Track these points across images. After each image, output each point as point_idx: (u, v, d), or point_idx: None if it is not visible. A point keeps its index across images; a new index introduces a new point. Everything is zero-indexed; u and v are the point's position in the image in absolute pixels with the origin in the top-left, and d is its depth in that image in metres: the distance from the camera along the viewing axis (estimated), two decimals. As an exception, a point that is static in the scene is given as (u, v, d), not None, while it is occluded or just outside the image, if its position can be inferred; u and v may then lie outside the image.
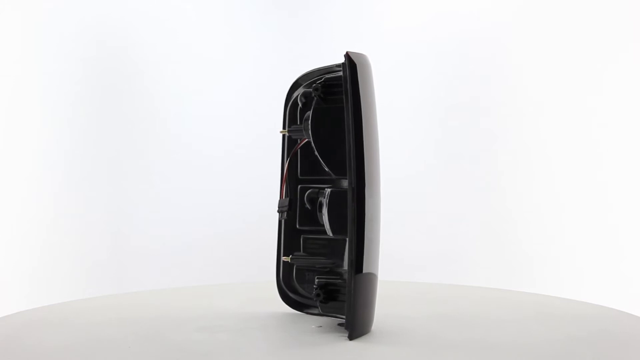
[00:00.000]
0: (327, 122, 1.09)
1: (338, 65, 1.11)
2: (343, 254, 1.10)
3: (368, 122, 1.04)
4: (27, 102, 2.33)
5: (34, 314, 1.26)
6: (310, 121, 1.11)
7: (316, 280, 1.12)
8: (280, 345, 1.05)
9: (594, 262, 2.27)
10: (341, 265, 1.11)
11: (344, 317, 1.06)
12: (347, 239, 1.03)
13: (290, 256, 1.18)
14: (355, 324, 1.03)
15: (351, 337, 1.03)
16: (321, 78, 1.12)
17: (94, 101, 2.43)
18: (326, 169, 1.10)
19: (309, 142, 1.13)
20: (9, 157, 2.29)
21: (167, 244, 2.50)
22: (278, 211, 1.20)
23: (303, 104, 1.18)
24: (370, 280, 1.05)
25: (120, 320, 1.19)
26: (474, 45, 2.45)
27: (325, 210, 1.07)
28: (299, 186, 1.21)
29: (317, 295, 1.09)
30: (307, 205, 1.17)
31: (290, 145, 1.21)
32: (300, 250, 1.19)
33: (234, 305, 1.32)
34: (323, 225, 1.10)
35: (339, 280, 1.09)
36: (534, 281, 2.30)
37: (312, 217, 1.17)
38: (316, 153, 1.10)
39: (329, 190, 1.08)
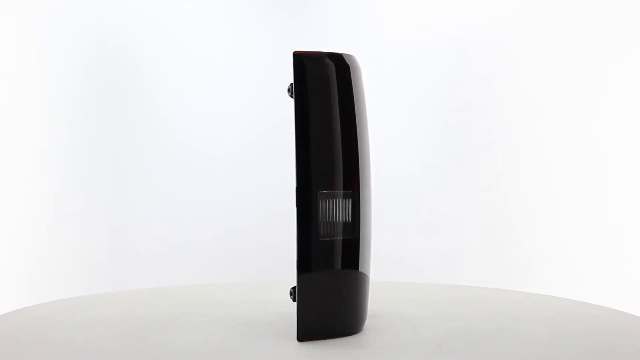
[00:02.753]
0: None
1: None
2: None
3: (329, 123, 1.03)
4: (27, 102, 2.33)
5: (30, 312, 1.26)
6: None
7: None
8: (224, 342, 1.05)
9: (594, 262, 2.27)
10: None
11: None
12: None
13: None
14: (301, 325, 1.03)
15: (299, 338, 1.03)
16: None
17: (94, 101, 2.43)
18: None
19: None
20: (9, 157, 2.29)
21: (167, 244, 2.50)
22: None
23: None
24: (332, 279, 1.04)
25: (111, 319, 1.19)
26: (474, 45, 2.45)
27: None
28: None
29: (290, 294, 1.09)
30: None
31: None
32: None
33: (217, 306, 1.32)
34: None
35: None
36: (534, 281, 2.30)
37: None
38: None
39: None
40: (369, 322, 1.14)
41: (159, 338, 1.07)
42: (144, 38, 2.51)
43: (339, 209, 1.04)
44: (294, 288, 1.09)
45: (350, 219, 1.05)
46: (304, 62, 1.04)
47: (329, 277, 1.05)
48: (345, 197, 1.04)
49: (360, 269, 1.08)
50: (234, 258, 2.55)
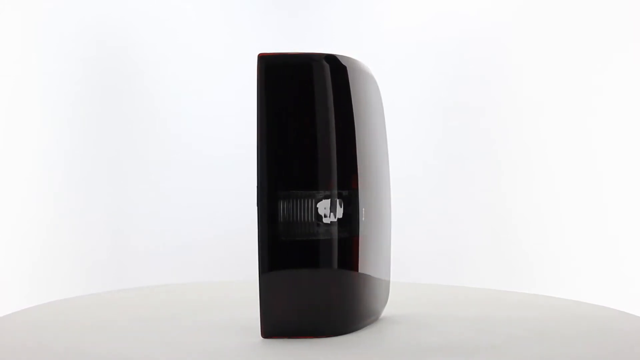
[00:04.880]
0: None
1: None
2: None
3: (291, 125, 1.05)
4: (27, 102, 2.33)
5: (29, 313, 1.26)
6: None
7: None
8: (186, 336, 1.06)
9: (594, 262, 2.27)
10: None
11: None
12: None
13: None
14: (263, 321, 1.04)
15: (263, 334, 1.04)
16: None
17: (94, 101, 2.43)
18: None
19: None
20: (9, 157, 2.29)
21: (168, 243, 2.50)
22: None
23: None
24: (303, 278, 1.05)
25: (109, 321, 1.19)
26: (474, 45, 2.45)
27: None
28: None
29: None
30: None
31: None
32: None
33: (218, 304, 1.32)
34: None
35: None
36: (534, 281, 2.30)
37: None
38: None
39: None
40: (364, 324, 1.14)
41: (159, 338, 1.07)
42: (144, 38, 2.51)
43: (303, 209, 1.05)
44: None
45: (314, 219, 1.05)
46: (267, 65, 1.05)
47: (300, 276, 1.05)
48: (310, 197, 1.04)
49: (346, 269, 1.07)
50: (235, 258, 2.55)
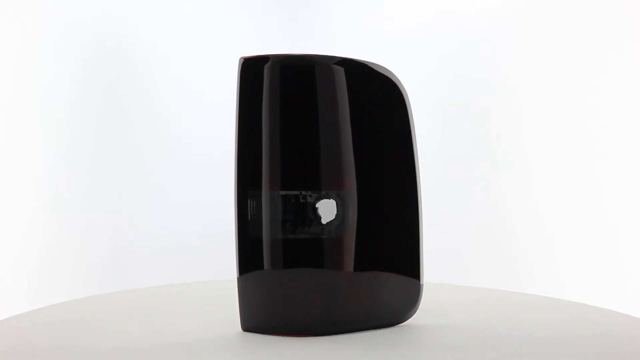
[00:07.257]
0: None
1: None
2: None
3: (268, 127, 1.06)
4: (27, 101, 2.33)
5: (30, 316, 1.26)
6: None
7: None
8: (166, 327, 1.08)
9: (594, 262, 2.27)
10: None
11: None
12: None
13: None
14: (243, 316, 1.07)
15: (242, 327, 1.08)
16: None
17: (94, 101, 2.43)
18: None
19: None
20: (9, 157, 2.29)
21: (168, 243, 2.50)
22: None
23: None
24: (281, 278, 1.05)
25: (106, 323, 1.19)
26: (474, 45, 2.45)
27: None
28: None
29: None
30: None
31: None
32: None
33: (218, 302, 1.32)
34: None
35: None
36: (534, 282, 2.30)
37: None
38: None
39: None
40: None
41: (150, 331, 1.07)
42: (144, 38, 2.51)
43: (272, 208, 1.05)
44: None
45: (281, 217, 1.05)
46: (243, 67, 1.07)
47: (270, 275, 1.06)
48: (276, 196, 1.05)
49: (316, 268, 1.06)
50: (235, 257, 2.54)
